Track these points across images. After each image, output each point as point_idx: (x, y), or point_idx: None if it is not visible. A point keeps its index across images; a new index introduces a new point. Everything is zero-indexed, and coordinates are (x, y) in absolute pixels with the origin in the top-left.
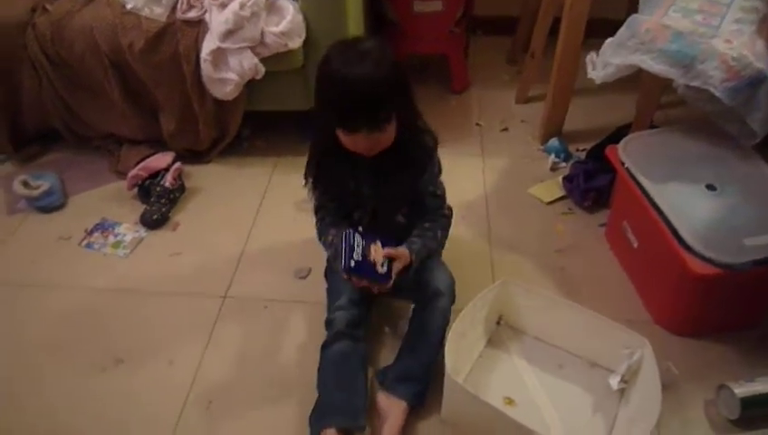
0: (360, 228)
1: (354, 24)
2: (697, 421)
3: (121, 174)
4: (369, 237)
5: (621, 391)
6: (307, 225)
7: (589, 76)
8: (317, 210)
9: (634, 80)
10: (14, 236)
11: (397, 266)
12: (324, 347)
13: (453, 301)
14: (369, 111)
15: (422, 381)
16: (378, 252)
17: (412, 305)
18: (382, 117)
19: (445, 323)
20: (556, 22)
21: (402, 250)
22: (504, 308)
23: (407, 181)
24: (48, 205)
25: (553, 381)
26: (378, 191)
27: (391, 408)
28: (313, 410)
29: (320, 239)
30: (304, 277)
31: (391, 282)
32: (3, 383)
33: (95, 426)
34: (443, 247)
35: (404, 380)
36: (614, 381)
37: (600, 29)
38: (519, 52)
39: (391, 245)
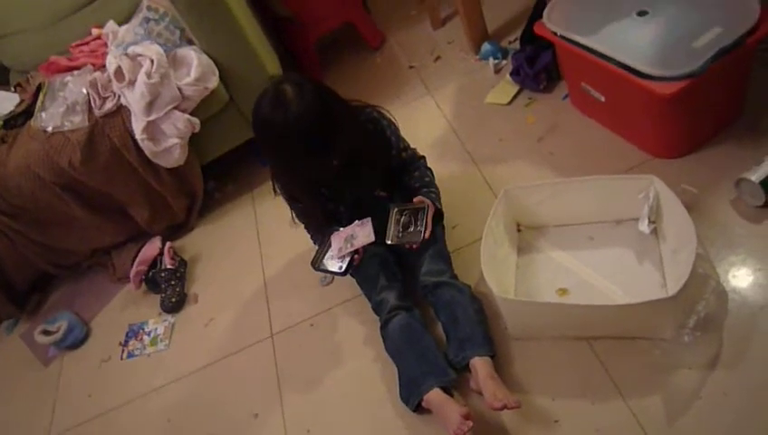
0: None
1: (258, 42)
2: (731, 222)
3: (123, 279)
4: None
5: (655, 232)
6: (307, 236)
7: None
8: (304, 225)
9: None
10: (62, 382)
11: (429, 216)
12: (384, 327)
13: (448, 265)
14: (318, 151)
15: (481, 332)
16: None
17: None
18: (330, 147)
19: (458, 283)
20: None
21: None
22: (518, 214)
23: (375, 158)
24: (75, 340)
25: (591, 253)
26: (352, 183)
27: (476, 368)
28: (401, 386)
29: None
30: (330, 283)
31: (428, 233)
32: None
33: None
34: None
35: (465, 343)
36: (644, 226)
37: None
38: None
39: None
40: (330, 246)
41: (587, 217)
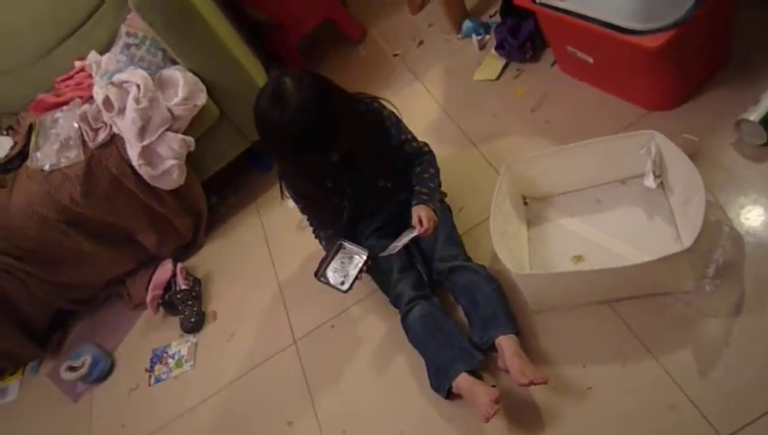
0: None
1: (240, 51)
2: (736, 164)
3: (140, 306)
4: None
5: (661, 186)
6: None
7: None
8: (309, 222)
9: None
10: (94, 415)
11: (430, 220)
12: (404, 320)
13: (461, 248)
14: (317, 146)
15: (502, 310)
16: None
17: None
18: (329, 142)
19: (473, 265)
20: None
21: (420, 213)
22: (522, 187)
23: (376, 149)
24: (101, 373)
25: (601, 216)
26: (355, 175)
27: (502, 347)
28: (430, 375)
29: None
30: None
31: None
32: None
33: None
34: (439, 178)
35: (488, 323)
36: (650, 181)
37: None
38: None
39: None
40: (333, 257)
41: (592, 180)
